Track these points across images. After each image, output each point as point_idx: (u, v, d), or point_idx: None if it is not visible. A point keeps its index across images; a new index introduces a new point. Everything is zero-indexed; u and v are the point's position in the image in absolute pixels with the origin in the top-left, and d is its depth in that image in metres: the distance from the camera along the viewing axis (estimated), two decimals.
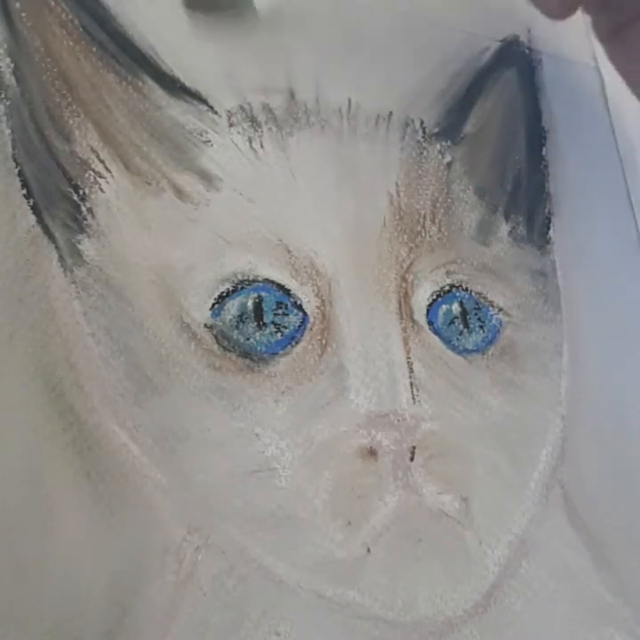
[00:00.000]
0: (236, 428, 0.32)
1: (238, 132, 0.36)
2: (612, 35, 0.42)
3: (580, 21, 0.52)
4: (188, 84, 0.35)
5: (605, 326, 0.45)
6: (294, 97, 0.38)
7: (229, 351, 0.32)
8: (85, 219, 0.31)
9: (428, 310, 0.38)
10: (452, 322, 0.38)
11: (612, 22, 0.42)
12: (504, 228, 0.43)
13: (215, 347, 0.32)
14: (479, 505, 0.36)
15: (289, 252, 0.35)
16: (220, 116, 0.36)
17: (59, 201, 0.31)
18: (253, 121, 0.37)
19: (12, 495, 0.27)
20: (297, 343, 0.34)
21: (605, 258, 0.47)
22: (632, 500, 0.42)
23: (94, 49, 0.34)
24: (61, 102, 0.32)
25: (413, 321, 0.37)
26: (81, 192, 0.32)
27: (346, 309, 0.35)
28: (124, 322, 0.31)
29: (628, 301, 0.47)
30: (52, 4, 0.33)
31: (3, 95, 0.31)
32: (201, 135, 0.35)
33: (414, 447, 0.34)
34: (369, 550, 0.32)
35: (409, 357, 0.36)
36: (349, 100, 0.40)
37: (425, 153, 0.41)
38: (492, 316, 0.40)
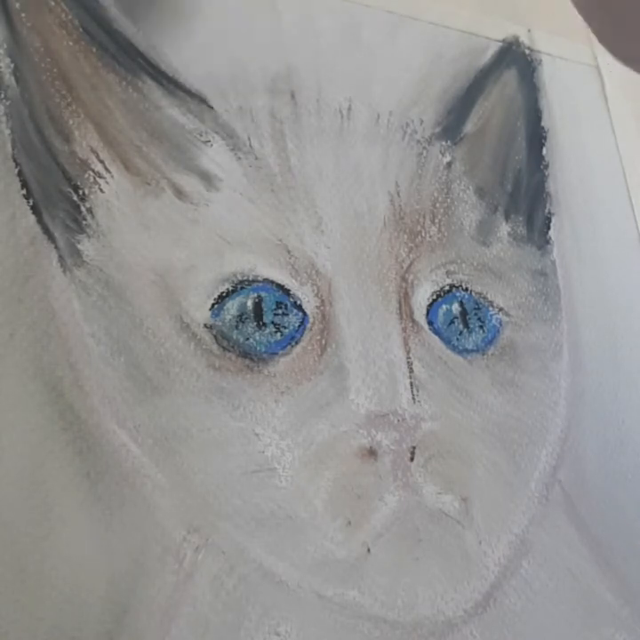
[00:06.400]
0: (236, 428, 0.32)
1: (238, 132, 0.36)
2: None
3: (580, 21, 0.52)
4: (187, 84, 0.35)
5: (605, 326, 0.45)
6: (294, 97, 0.38)
7: (229, 351, 0.32)
8: (85, 219, 0.31)
9: (428, 310, 0.38)
10: (451, 322, 0.38)
11: None
12: (504, 228, 0.43)
13: (215, 347, 0.32)
14: (479, 505, 0.36)
15: (289, 252, 0.35)
16: (220, 116, 0.36)
17: (58, 201, 0.31)
18: (253, 121, 0.37)
19: (12, 495, 0.27)
20: (297, 343, 0.34)
21: (605, 258, 0.47)
22: (632, 500, 0.42)
23: (94, 49, 0.34)
24: (61, 102, 0.32)
25: (413, 321, 0.37)
26: (81, 192, 0.32)
27: (346, 309, 0.35)
28: (123, 322, 0.31)
29: (628, 301, 0.47)
30: (52, 4, 0.33)
31: (3, 95, 0.31)
32: (201, 135, 0.35)
33: (414, 447, 0.34)
34: (369, 550, 0.32)
35: (409, 357, 0.36)
36: (350, 100, 0.40)
37: (425, 153, 0.41)
38: (491, 315, 0.40)
